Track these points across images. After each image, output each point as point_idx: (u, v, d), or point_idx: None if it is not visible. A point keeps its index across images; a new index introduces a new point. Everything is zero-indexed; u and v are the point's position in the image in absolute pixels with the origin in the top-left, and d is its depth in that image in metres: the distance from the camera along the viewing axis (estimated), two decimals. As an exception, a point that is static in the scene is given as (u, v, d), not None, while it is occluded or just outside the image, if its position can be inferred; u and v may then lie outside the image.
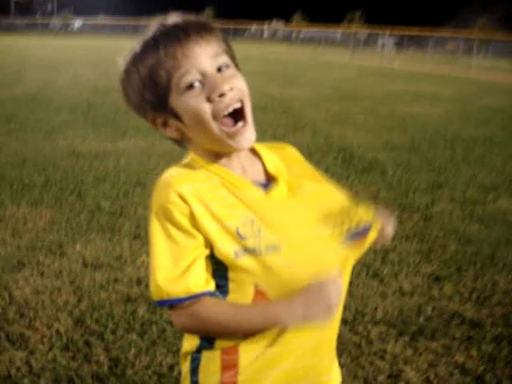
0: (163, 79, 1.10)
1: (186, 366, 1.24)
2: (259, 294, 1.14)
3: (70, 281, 3.36)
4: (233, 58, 1.17)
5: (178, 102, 1.11)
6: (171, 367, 2.54)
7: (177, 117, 1.13)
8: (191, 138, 1.17)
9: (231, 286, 1.14)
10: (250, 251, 1.11)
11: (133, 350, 2.63)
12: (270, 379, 1.17)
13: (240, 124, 1.12)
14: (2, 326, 2.83)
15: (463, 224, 4.59)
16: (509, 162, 6.95)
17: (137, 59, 1.13)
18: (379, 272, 3.61)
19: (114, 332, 2.80)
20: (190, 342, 1.22)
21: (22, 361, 2.57)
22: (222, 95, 1.09)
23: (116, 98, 8.18)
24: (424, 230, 4.39)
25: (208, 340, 1.18)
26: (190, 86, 1.09)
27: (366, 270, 3.61)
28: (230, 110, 1.11)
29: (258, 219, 1.13)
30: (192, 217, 1.09)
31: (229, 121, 1.12)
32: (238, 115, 1.12)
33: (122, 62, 1.16)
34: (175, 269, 1.09)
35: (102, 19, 74.79)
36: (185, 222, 1.09)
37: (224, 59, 1.14)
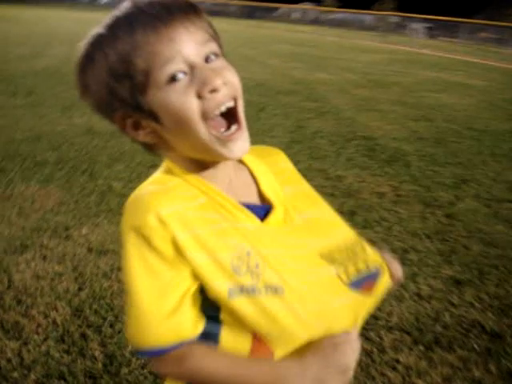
0: (139, 69, 0.88)
1: None
2: (258, 343, 0.96)
3: (72, 266, 3.23)
4: (221, 45, 0.97)
5: (156, 97, 0.90)
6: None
7: (153, 117, 0.93)
8: (169, 143, 0.96)
9: (224, 331, 0.96)
10: (246, 290, 0.92)
11: (130, 347, 2.49)
12: None
13: (234, 128, 0.93)
14: (-3, 313, 2.72)
15: (488, 224, 4.36)
16: (539, 158, 6.67)
17: (104, 42, 0.90)
18: (397, 272, 3.43)
19: (112, 325, 2.66)
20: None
21: (13, 352, 2.44)
22: (213, 91, 0.89)
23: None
24: (446, 229, 4.18)
25: None
26: (173, 79, 0.89)
27: (382, 270, 3.43)
28: (223, 109, 0.92)
29: (255, 252, 0.95)
30: (175, 245, 0.90)
31: (220, 122, 0.93)
32: (230, 116, 0.93)
33: (83, 45, 0.94)
34: (160, 309, 0.90)
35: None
36: (168, 251, 0.90)
37: (213, 47, 0.94)
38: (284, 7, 53.61)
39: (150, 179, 0.99)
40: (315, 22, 48.78)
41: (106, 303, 2.85)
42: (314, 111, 8.69)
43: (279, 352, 0.98)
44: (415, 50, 26.09)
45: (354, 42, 29.50)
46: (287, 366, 0.94)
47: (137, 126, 0.96)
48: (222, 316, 0.95)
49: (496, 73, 18.32)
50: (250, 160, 1.07)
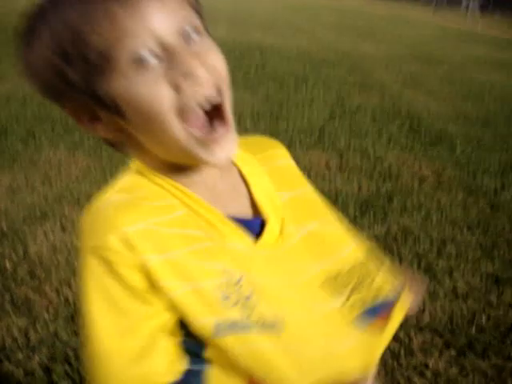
0: (94, 48, 0.68)
1: None
2: None
3: (92, 240, 3.11)
4: (202, 18, 0.76)
5: (118, 86, 0.70)
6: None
7: (115, 109, 0.73)
8: (138, 141, 0.77)
9: (213, 371, 0.78)
10: (237, 327, 0.74)
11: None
12: None
13: (218, 126, 0.74)
14: (8, 287, 2.61)
15: (535, 217, 4.09)
16: None
17: (49, 13, 0.70)
18: (433, 266, 3.21)
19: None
20: None
21: (20, 331, 2.34)
22: (192, 79, 0.70)
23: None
24: (489, 220, 3.92)
25: None
26: (140, 62, 0.69)
27: (417, 261, 3.23)
28: (206, 105, 0.72)
29: (247, 280, 0.76)
30: (146, 273, 0.71)
31: (201, 120, 0.73)
32: (213, 112, 0.74)
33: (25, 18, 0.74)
34: (125, 352, 0.72)
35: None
36: (135, 280, 0.71)
37: (192, 21, 0.73)
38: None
39: (114, 185, 0.79)
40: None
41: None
42: (358, 85, 8.38)
43: None
44: (468, 26, 25.18)
45: (405, 15, 28.64)
46: None
47: (94, 119, 0.77)
48: (209, 354, 0.77)
49: (552, 53, 17.50)
50: (239, 157, 0.87)
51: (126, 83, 0.70)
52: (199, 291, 0.73)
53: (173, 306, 0.73)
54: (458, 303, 2.85)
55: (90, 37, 0.68)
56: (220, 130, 0.74)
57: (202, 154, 0.74)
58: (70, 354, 2.22)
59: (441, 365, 2.38)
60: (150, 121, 0.71)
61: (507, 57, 14.93)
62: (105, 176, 3.97)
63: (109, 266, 0.71)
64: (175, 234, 0.74)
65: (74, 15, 0.68)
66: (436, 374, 2.32)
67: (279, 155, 0.96)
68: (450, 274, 3.14)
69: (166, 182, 0.78)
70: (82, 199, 3.57)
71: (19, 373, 2.14)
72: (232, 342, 0.74)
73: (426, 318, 2.69)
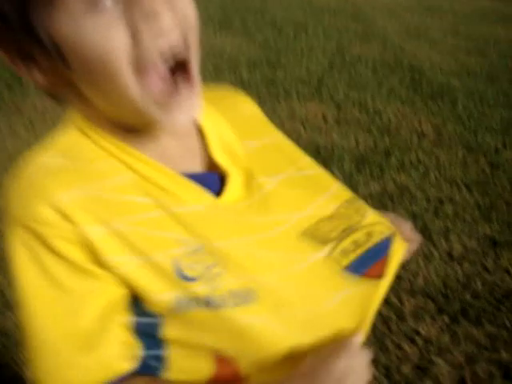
0: None
1: None
2: (223, 364, 0.67)
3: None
4: None
5: (60, 24, 0.57)
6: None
7: (55, 52, 0.59)
8: (80, 93, 0.64)
9: (173, 352, 0.67)
10: (202, 303, 0.63)
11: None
12: None
13: (182, 87, 0.61)
14: None
15: (536, 178, 3.97)
16: None
17: None
18: (429, 225, 3.10)
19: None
20: None
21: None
22: (154, 22, 0.56)
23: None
24: (489, 179, 3.79)
25: None
26: (93, 1, 0.55)
27: (413, 221, 3.09)
28: (169, 60, 0.59)
29: (209, 247, 0.65)
30: (87, 246, 0.61)
31: (162, 76, 0.60)
32: (177, 69, 0.61)
33: None
34: (70, 339, 0.62)
35: None
36: (74, 254, 0.61)
37: None
38: None
39: (49, 145, 0.66)
40: None
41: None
42: (359, 34, 8.12)
43: (254, 375, 0.69)
44: (476, -25, 24.46)
45: (411, -38, 27.79)
46: None
47: (29, 60, 0.62)
48: (168, 334, 0.66)
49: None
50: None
51: (71, 24, 0.56)
52: (153, 265, 0.62)
53: (124, 281, 0.63)
54: (453, 266, 2.76)
55: None
56: (184, 90, 0.62)
57: (159, 116, 0.62)
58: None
59: (432, 331, 2.29)
60: (97, 72, 0.58)
61: (514, 9, 14.53)
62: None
63: (41, 240, 0.60)
64: (120, 202, 0.63)
65: None
66: (427, 341, 2.23)
67: (243, 103, 0.84)
68: (446, 235, 3.04)
69: (112, 144, 0.66)
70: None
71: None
72: (198, 319, 0.64)
73: (420, 281, 2.60)
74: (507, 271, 2.77)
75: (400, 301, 2.44)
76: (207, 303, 0.63)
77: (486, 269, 2.78)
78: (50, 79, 0.64)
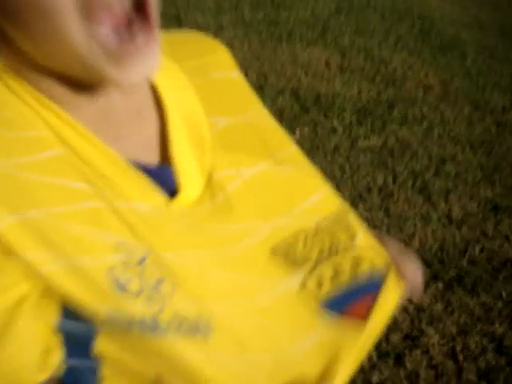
0: None
1: None
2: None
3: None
4: None
5: None
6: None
7: None
8: (4, 31, 0.48)
9: (108, 369, 0.52)
10: (142, 325, 0.49)
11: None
12: None
13: (138, 33, 0.47)
14: None
15: (543, 140, 3.81)
16: None
17: None
18: (429, 185, 2.96)
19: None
20: None
21: None
22: None
23: None
24: (494, 140, 3.63)
25: None
26: None
27: (412, 180, 2.98)
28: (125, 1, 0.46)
29: (155, 258, 0.50)
30: None
31: (114, 19, 0.46)
32: (132, 10, 0.47)
33: None
34: None
35: None
36: None
37: None
38: None
39: None
40: None
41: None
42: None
43: None
44: None
45: None
46: None
47: None
48: (103, 349, 0.51)
49: None
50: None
51: None
52: (79, 270, 0.47)
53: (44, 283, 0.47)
54: (451, 230, 2.63)
55: None
56: (140, 36, 0.48)
57: (109, 68, 0.47)
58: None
59: (425, 300, 2.18)
60: (31, 10, 0.44)
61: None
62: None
63: None
64: (44, 185, 0.47)
65: None
66: (419, 310, 2.12)
67: (219, 63, 0.66)
68: (446, 196, 2.91)
69: (37, 100, 0.50)
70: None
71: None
72: (134, 341, 0.50)
73: (416, 243, 2.48)
74: (507, 238, 2.65)
75: (393, 264, 2.32)
76: (146, 325, 0.49)
77: (485, 234, 2.65)
78: None
